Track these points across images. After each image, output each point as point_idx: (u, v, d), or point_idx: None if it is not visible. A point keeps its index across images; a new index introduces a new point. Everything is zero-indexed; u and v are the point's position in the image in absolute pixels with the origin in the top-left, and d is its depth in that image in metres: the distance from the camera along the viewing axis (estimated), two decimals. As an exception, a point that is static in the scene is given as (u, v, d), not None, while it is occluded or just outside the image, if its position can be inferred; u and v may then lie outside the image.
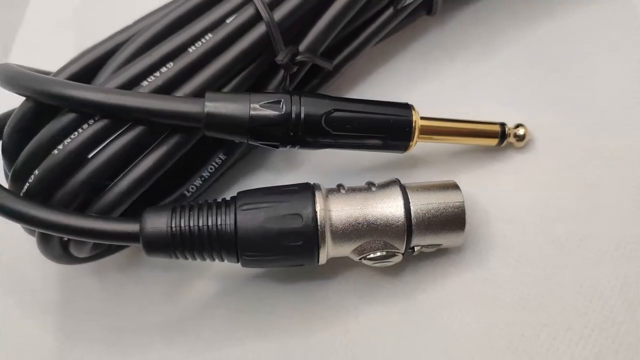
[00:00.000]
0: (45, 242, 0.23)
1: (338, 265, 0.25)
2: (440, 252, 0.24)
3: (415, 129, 0.23)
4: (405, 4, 0.26)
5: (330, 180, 0.24)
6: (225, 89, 0.23)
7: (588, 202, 0.24)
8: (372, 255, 0.22)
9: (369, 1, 0.25)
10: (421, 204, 0.22)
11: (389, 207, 0.22)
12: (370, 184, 0.23)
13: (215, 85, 0.23)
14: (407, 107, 0.24)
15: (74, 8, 0.36)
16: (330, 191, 0.23)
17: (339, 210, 0.22)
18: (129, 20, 0.24)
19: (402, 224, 0.22)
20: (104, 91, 0.21)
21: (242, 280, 0.26)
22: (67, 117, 0.21)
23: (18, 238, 0.25)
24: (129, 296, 0.27)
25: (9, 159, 0.23)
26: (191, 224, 0.21)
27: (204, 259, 0.22)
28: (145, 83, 0.22)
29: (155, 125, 0.22)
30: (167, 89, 0.22)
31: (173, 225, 0.21)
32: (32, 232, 0.24)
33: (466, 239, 0.24)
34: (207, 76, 0.23)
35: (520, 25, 0.28)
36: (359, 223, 0.22)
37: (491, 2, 0.30)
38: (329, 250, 0.22)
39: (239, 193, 0.23)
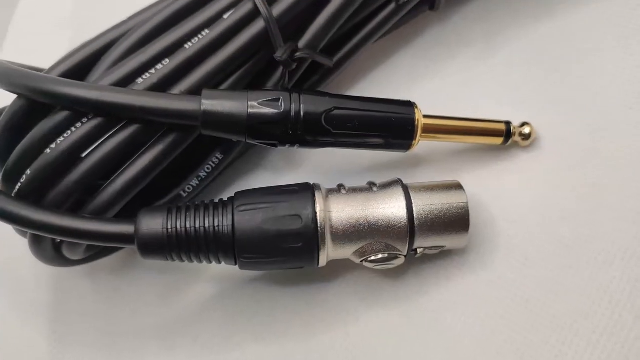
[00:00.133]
0: (37, 244, 0.23)
1: (338, 268, 0.25)
2: (443, 254, 0.24)
3: (418, 127, 0.23)
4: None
5: (331, 180, 0.24)
6: (223, 87, 0.23)
7: (595, 202, 0.24)
8: (373, 258, 0.22)
9: (370, -4, 0.25)
10: (424, 204, 0.22)
11: (390, 208, 0.22)
12: (371, 184, 0.23)
13: (212, 82, 0.23)
14: (410, 105, 0.24)
15: (67, 4, 0.36)
16: (330, 191, 0.23)
17: (340, 211, 0.22)
18: (123, 16, 0.24)
19: (404, 226, 0.22)
20: (97, 89, 0.21)
21: (239, 283, 0.26)
22: (60, 116, 0.21)
23: (10, 240, 0.25)
24: (124, 299, 0.27)
25: (0, 158, 0.23)
26: (187, 226, 0.21)
27: (200, 261, 0.22)
28: (140, 80, 0.22)
29: (151, 124, 0.22)
30: (163, 86, 0.22)
31: (169, 226, 0.21)
32: (24, 234, 0.24)
33: (470, 240, 0.24)
34: (204, 73, 0.23)
35: (523, 22, 0.28)
36: (360, 224, 0.22)
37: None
38: (329, 252, 0.22)
39: (236, 193, 0.22)
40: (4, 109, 0.23)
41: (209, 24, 0.23)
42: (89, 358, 0.26)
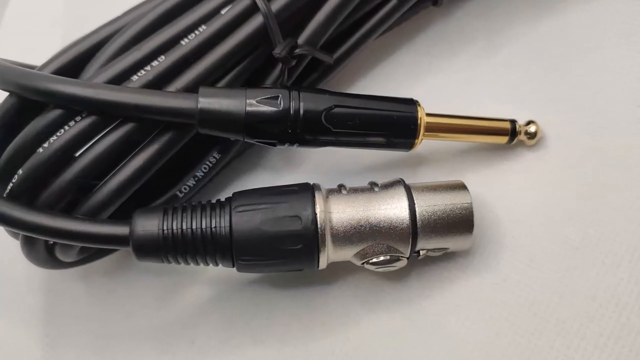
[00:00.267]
0: (29, 246, 0.23)
1: (339, 270, 0.25)
2: (446, 256, 0.24)
3: (420, 125, 0.23)
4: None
5: (331, 181, 0.24)
6: (220, 84, 0.23)
7: (602, 202, 0.24)
8: (375, 260, 0.22)
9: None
10: (427, 205, 0.22)
11: (392, 209, 0.22)
12: (373, 184, 0.23)
13: (209, 79, 0.23)
14: (412, 103, 0.24)
15: (59, 0, 0.36)
16: (330, 192, 0.23)
17: (340, 212, 0.22)
18: (118, 12, 0.24)
19: (406, 227, 0.22)
20: (91, 86, 0.21)
21: (237, 285, 0.26)
22: (53, 114, 0.21)
23: (1, 241, 0.25)
24: (118, 302, 0.27)
25: (-9, 157, 0.23)
26: (184, 227, 0.21)
27: (197, 264, 0.22)
28: (135, 77, 0.22)
29: (146, 122, 0.22)
30: (159, 83, 0.22)
31: (165, 227, 0.21)
32: (15, 235, 0.23)
33: (474, 241, 0.24)
34: (201, 70, 0.23)
35: (527, 19, 0.28)
36: (361, 225, 0.22)
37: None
38: (329, 254, 0.22)
39: (234, 194, 0.22)
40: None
41: (206, 19, 0.23)
42: (83, 363, 0.26)
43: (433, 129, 0.24)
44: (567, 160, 0.25)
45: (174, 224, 0.21)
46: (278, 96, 0.22)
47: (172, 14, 0.23)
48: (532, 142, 0.25)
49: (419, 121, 0.23)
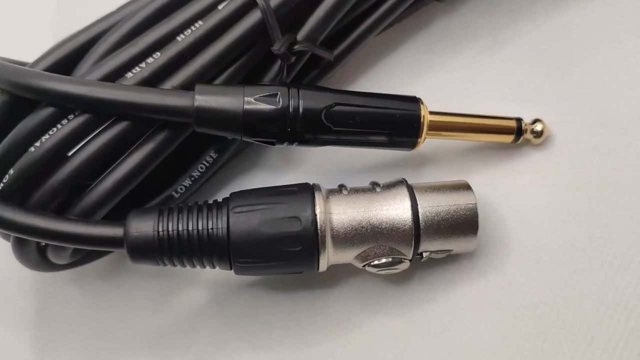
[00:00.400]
0: (21, 248, 0.23)
1: (339, 273, 0.25)
2: (450, 258, 0.24)
3: (423, 124, 0.23)
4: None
5: (331, 181, 0.24)
6: (217, 81, 0.23)
7: (611, 202, 0.24)
8: (376, 262, 0.22)
9: (372, -14, 0.25)
10: (430, 206, 0.22)
11: (395, 210, 0.22)
12: (374, 185, 0.23)
13: (206, 77, 0.23)
14: (415, 101, 0.24)
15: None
16: (331, 192, 0.23)
17: (341, 213, 0.22)
18: (112, 7, 0.24)
19: (409, 228, 0.22)
20: (85, 83, 0.21)
21: (235, 288, 0.26)
22: (45, 112, 0.21)
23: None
24: (112, 306, 0.27)
25: (-19, 157, 0.23)
26: (180, 228, 0.21)
27: (193, 266, 0.22)
28: (129, 75, 0.22)
29: (141, 121, 0.22)
30: (154, 81, 0.22)
31: (160, 229, 0.21)
32: (6, 237, 0.23)
33: (479, 243, 0.24)
34: (198, 67, 0.23)
35: (532, 15, 0.28)
36: (362, 227, 0.22)
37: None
38: (329, 257, 0.22)
39: (231, 194, 0.22)
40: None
41: (202, 15, 0.23)
42: (76, 368, 0.25)
43: (436, 127, 0.24)
44: (574, 159, 0.25)
45: (170, 225, 0.21)
46: (277, 94, 0.22)
47: (168, 9, 0.23)
48: (539, 141, 0.25)
49: (421, 119, 0.23)
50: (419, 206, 0.22)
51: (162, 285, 0.26)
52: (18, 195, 0.22)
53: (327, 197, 0.22)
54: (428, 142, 0.24)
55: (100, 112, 0.21)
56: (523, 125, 0.25)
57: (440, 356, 0.23)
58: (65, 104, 0.21)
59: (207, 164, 0.25)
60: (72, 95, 0.21)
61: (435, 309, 0.24)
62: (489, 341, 0.23)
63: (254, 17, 0.23)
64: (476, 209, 0.22)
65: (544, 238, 0.24)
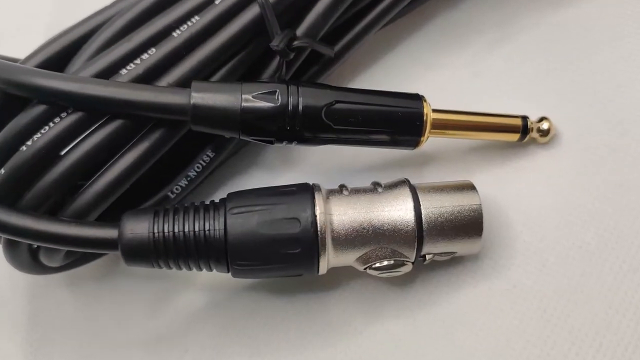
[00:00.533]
0: (12, 250, 0.23)
1: (340, 276, 0.25)
2: (454, 261, 0.24)
3: (426, 122, 0.23)
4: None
5: (332, 181, 0.24)
6: (214, 78, 0.23)
7: (620, 203, 0.24)
8: (378, 265, 0.22)
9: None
10: (433, 206, 0.22)
11: (397, 211, 0.22)
12: (376, 185, 0.23)
13: (202, 73, 0.23)
14: (418, 98, 0.24)
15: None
16: (331, 192, 0.23)
17: (342, 214, 0.22)
18: (106, 2, 0.24)
19: (411, 230, 0.22)
20: (78, 80, 0.21)
21: (232, 292, 0.26)
22: (37, 110, 0.21)
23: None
24: (107, 309, 0.26)
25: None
26: (176, 230, 0.21)
27: (190, 269, 0.22)
28: (124, 71, 0.22)
29: (136, 119, 0.22)
30: (149, 78, 0.22)
31: (155, 230, 0.21)
32: (-3, 239, 0.23)
33: (483, 245, 0.24)
34: (194, 64, 0.23)
35: (539, 9, 0.28)
36: (363, 228, 0.22)
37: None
38: (330, 259, 0.22)
39: (229, 195, 0.22)
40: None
41: (199, 9, 0.23)
42: (69, 373, 0.25)
43: (440, 125, 0.24)
44: (582, 158, 0.25)
45: (165, 226, 0.21)
46: (276, 91, 0.22)
47: (164, 3, 0.23)
48: (545, 139, 0.25)
49: (424, 117, 0.23)
50: (421, 207, 0.22)
51: (158, 288, 0.26)
52: (9, 196, 0.22)
53: (328, 198, 0.22)
54: (431, 141, 0.24)
55: (93, 110, 0.21)
56: (529, 123, 0.25)
57: (443, 361, 0.23)
58: (58, 102, 0.21)
59: (204, 164, 0.25)
60: (65, 93, 0.21)
61: (438, 313, 0.24)
62: (493, 346, 0.23)
63: (252, 12, 0.23)
64: (481, 209, 0.22)
65: (550, 240, 0.24)
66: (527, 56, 0.28)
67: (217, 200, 0.22)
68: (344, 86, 0.24)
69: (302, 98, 0.22)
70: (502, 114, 0.25)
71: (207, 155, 0.25)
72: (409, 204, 0.22)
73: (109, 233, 0.21)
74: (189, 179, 0.25)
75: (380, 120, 0.23)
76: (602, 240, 0.23)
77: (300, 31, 0.24)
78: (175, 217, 0.21)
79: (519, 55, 0.28)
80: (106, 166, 0.22)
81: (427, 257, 0.23)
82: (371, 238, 0.22)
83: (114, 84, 0.21)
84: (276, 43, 0.23)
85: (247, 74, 0.24)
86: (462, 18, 0.29)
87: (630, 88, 0.26)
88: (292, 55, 0.24)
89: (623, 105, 0.25)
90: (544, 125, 0.25)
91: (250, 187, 0.23)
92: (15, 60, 0.23)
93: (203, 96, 0.21)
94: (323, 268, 0.22)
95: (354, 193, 0.23)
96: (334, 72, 0.27)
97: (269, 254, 0.21)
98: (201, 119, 0.22)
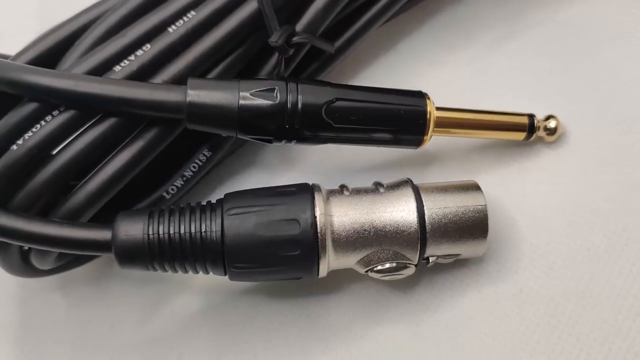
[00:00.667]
0: (2, 252, 0.23)
1: (340, 279, 0.25)
2: (458, 263, 0.24)
3: (430, 120, 0.23)
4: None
5: (332, 181, 0.24)
6: (211, 75, 0.23)
7: (629, 204, 0.24)
8: (380, 267, 0.22)
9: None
10: (437, 207, 0.22)
11: (399, 212, 0.22)
12: (377, 185, 0.23)
13: (199, 70, 0.23)
14: (421, 96, 0.24)
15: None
16: (331, 193, 0.23)
17: (342, 215, 0.22)
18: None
19: (414, 231, 0.22)
20: (70, 77, 0.21)
21: (229, 295, 0.26)
22: (28, 108, 0.21)
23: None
24: (100, 313, 0.26)
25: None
26: (171, 231, 0.21)
27: (186, 271, 0.22)
28: (118, 68, 0.22)
29: (130, 117, 0.22)
30: (144, 74, 0.22)
31: (150, 232, 0.21)
32: (-13, 240, 0.23)
33: (489, 247, 0.24)
34: (190, 60, 0.23)
35: (549, 5, 0.28)
36: (365, 230, 0.22)
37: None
38: (330, 261, 0.22)
39: (226, 195, 0.22)
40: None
41: (195, 4, 0.23)
42: (61, 379, 0.25)
43: (443, 124, 0.24)
44: (590, 158, 0.25)
45: (160, 228, 0.21)
46: (274, 88, 0.22)
47: (159, -2, 0.23)
48: (552, 138, 0.25)
49: (428, 116, 0.23)
50: (425, 208, 0.22)
51: (152, 291, 0.26)
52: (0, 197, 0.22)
53: (328, 198, 0.22)
54: (435, 140, 0.24)
55: (86, 107, 0.21)
56: (535, 121, 0.25)
57: (447, 367, 0.23)
58: (50, 100, 0.21)
59: (200, 163, 0.25)
60: (57, 90, 0.21)
61: (441, 317, 0.24)
62: (499, 352, 0.23)
63: (250, 7, 0.23)
64: (486, 210, 0.22)
65: (557, 242, 0.24)
66: (532, 54, 0.28)
67: (213, 201, 0.22)
68: (344, 83, 0.24)
69: (302, 95, 0.22)
70: (508, 112, 0.25)
71: (204, 155, 0.25)
72: (412, 205, 0.22)
73: (102, 234, 0.21)
74: (185, 179, 0.25)
75: (382, 119, 0.23)
76: (611, 242, 0.23)
77: (299, 27, 0.24)
78: (171, 218, 0.21)
79: (523, 53, 0.28)
80: (99, 166, 0.22)
81: (431, 259, 0.23)
82: (373, 240, 0.22)
83: (107, 81, 0.21)
84: (275, 39, 0.23)
85: (245, 71, 0.24)
86: (466, 14, 0.29)
87: (636, 86, 0.26)
88: (291, 52, 0.24)
89: (632, 104, 0.25)
90: (551, 124, 0.25)
91: (248, 188, 0.23)
92: (5, 57, 0.23)
93: (199, 94, 0.21)
94: (323, 271, 0.22)
95: (355, 193, 0.23)
96: (334, 69, 0.27)
97: (267, 256, 0.21)
98: (197, 117, 0.22)
